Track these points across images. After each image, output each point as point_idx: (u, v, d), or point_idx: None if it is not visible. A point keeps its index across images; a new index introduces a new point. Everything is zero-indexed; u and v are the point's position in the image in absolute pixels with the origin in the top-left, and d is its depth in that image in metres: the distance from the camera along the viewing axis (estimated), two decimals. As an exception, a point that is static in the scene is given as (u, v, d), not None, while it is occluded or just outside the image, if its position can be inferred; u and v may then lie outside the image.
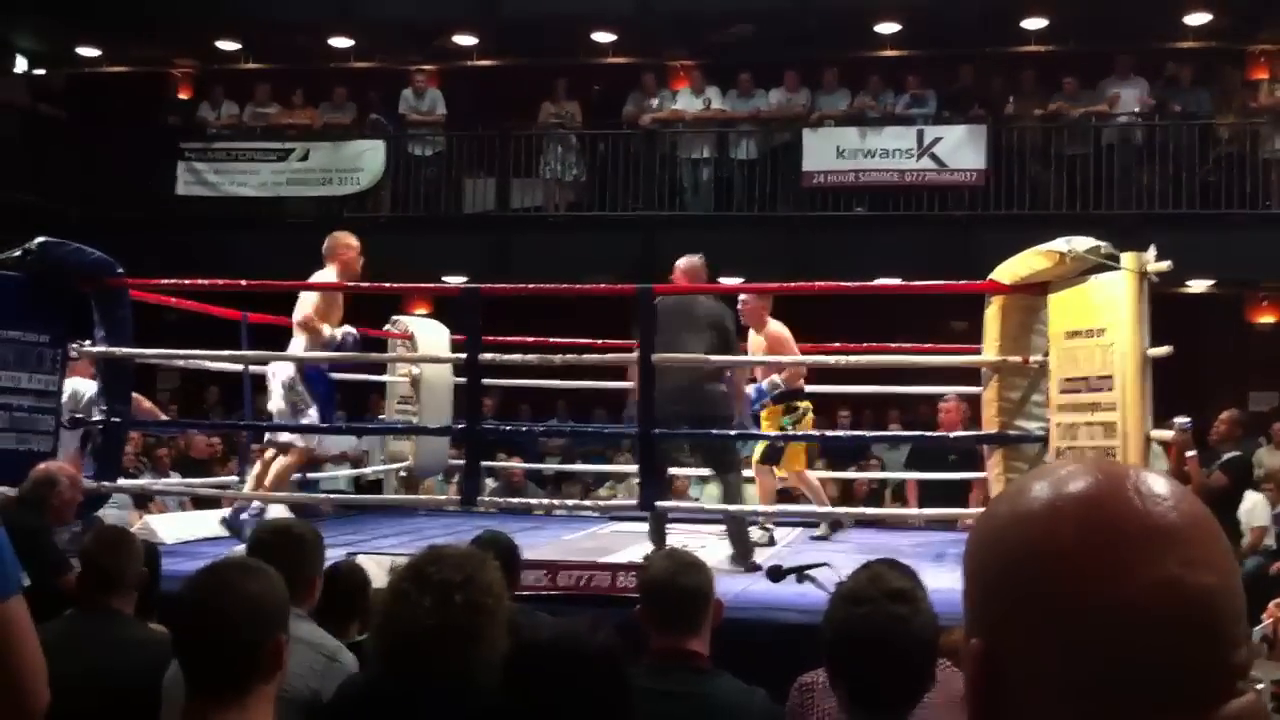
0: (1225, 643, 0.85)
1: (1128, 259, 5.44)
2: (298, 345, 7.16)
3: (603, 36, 14.60)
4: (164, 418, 8.07)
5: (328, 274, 7.21)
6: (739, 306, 7.42)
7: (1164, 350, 5.37)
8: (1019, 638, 0.87)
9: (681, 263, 6.97)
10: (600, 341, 8.36)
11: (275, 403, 7.06)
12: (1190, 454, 6.98)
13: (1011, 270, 6.30)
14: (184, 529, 6.98)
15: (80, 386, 6.97)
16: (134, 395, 7.07)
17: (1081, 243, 5.65)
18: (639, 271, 10.83)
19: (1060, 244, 5.74)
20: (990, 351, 6.50)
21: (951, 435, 8.02)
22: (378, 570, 4.29)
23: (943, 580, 5.50)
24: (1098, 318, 5.58)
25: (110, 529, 4.12)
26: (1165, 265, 5.42)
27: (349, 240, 7.32)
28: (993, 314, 6.50)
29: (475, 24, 14.50)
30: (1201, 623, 0.84)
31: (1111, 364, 5.43)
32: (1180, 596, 0.84)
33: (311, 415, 7.04)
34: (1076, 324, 5.75)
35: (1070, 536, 0.86)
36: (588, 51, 14.84)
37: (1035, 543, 0.88)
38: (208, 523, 7.18)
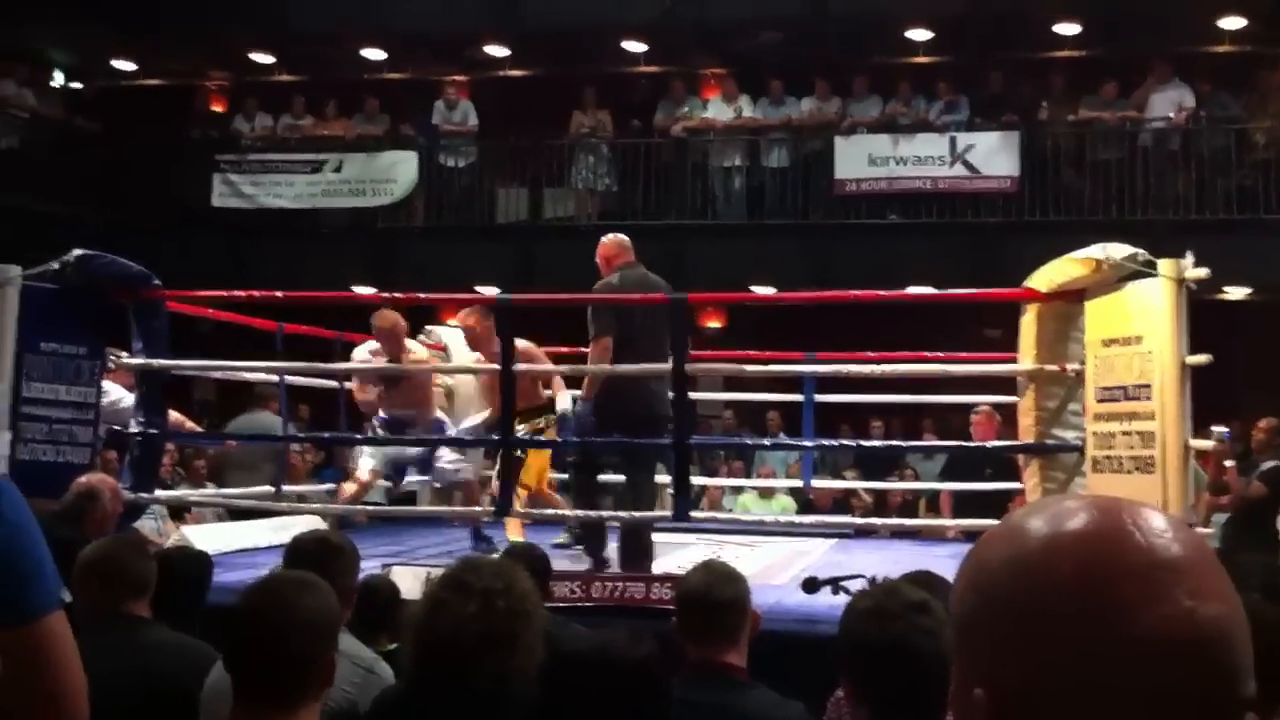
0: (1237, 674, 0.84)
1: (1165, 266, 5.40)
2: None
3: (633, 46, 14.62)
4: (198, 430, 8.11)
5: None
6: (469, 326, 7.36)
7: (1203, 358, 5.32)
8: (1026, 682, 0.86)
9: (616, 239, 6.92)
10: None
11: None
12: (1229, 463, 6.92)
13: (1047, 278, 6.26)
14: (220, 540, 7.01)
15: (117, 392, 7.02)
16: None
17: (1118, 249, 5.61)
18: (671, 280, 10.82)
19: (1097, 251, 5.69)
20: (1026, 360, 6.45)
21: (988, 445, 7.96)
22: (414, 581, 4.30)
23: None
24: (1135, 325, 5.54)
25: (119, 535, 4.08)
26: (1203, 272, 5.38)
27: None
28: (1028, 322, 6.45)
29: (504, 34, 14.54)
30: (1214, 654, 0.83)
31: (1149, 372, 5.38)
32: (1193, 628, 0.83)
33: (367, 456, 7.34)
34: (1114, 332, 5.71)
35: (1073, 574, 0.85)
36: (618, 61, 14.87)
37: (1036, 583, 0.87)
38: (244, 534, 7.21)
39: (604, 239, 6.94)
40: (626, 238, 6.96)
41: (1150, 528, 0.87)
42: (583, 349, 8.28)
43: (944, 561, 6.41)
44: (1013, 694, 0.86)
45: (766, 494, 10.41)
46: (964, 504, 8.54)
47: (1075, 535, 0.87)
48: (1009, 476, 7.59)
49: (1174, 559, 0.85)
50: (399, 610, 3.85)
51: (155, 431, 6.69)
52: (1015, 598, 0.87)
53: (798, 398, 8.37)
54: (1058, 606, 0.85)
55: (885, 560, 6.47)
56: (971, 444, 8.47)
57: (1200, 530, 5.70)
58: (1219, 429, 5.99)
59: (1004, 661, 0.87)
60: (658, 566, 6.34)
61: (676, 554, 6.99)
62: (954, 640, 0.93)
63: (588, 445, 6.57)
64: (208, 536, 7.02)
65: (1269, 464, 8.37)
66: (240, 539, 7.14)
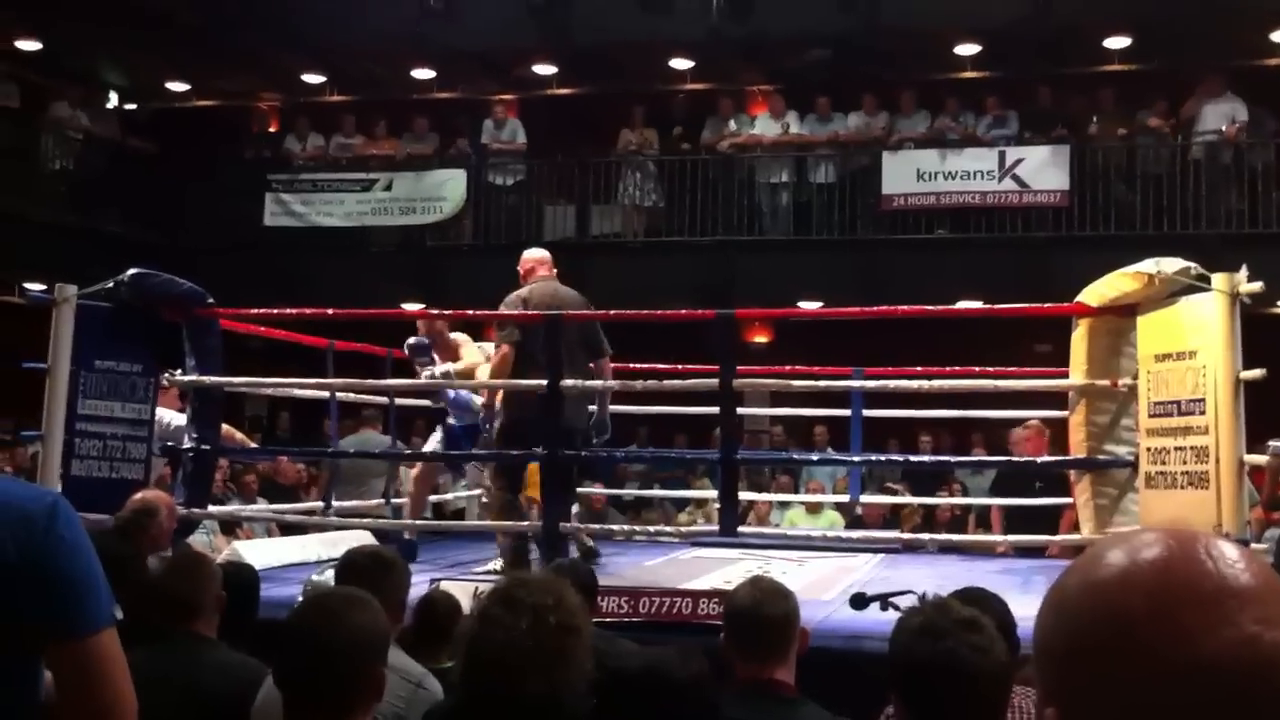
0: None
1: (1218, 280, 5.35)
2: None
3: (680, 63, 14.65)
4: (252, 445, 8.18)
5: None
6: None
7: (1257, 373, 5.26)
8: (1096, 706, 0.87)
9: (535, 254, 7.18)
10: (681, 366, 8.37)
11: None
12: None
13: (1099, 292, 6.21)
14: (271, 555, 7.07)
15: (167, 416, 7.10)
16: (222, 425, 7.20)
17: (1170, 264, 5.56)
18: (718, 296, 10.83)
19: (1149, 265, 5.65)
20: (1077, 375, 6.40)
21: (1039, 460, 7.90)
22: (463, 597, 4.31)
23: (1029, 608, 5.44)
24: (1188, 340, 5.49)
25: (182, 553, 4.11)
26: (1256, 286, 5.32)
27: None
28: (1079, 337, 6.41)
29: (552, 53, 14.60)
30: (1278, 681, 0.84)
31: (1203, 387, 5.33)
32: (1256, 654, 0.84)
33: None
34: (1166, 346, 5.66)
35: (1144, 601, 0.87)
36: (665, 78, 14.90)
37: (1109, 610, 0.88)
38: (295, 548, 7.26)
39: (524, 253, 7.23)
40: (546, 253, 7.26)
41: (1223, 557, 0.88)
42: (630, 365, 8.34)
43: (994, 577, 6.37)
44: (1082, 715, 0.88)
45: (814, 509, 10.37)
46: (1014, 519, 8.49)
47: (1148, 563, 0.89)
48: (1060, 492, 7.53)
49: (1243, 587, 0.86)
50: (458, 624, 3.86)
51: (208, 448, 6.76)
52: (1090, 622, 0.89)
53: (845, 413, 8.34)
54: (1127, 630, 0.87)
55: (934, 576, 6.41)
56: (1021, 459, 8.41)
57: (1254, 546, 5.63)
58: (1275, 443, 5.91)
59: (1075, 683, 0.89)
60: (705, 582, 6.33)
61: (724, 569, 6.97)
62: (1035, 661, 0.95)
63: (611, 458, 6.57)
64: (259, 551, 7.08)
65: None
66: (291, 554, 7.18)
